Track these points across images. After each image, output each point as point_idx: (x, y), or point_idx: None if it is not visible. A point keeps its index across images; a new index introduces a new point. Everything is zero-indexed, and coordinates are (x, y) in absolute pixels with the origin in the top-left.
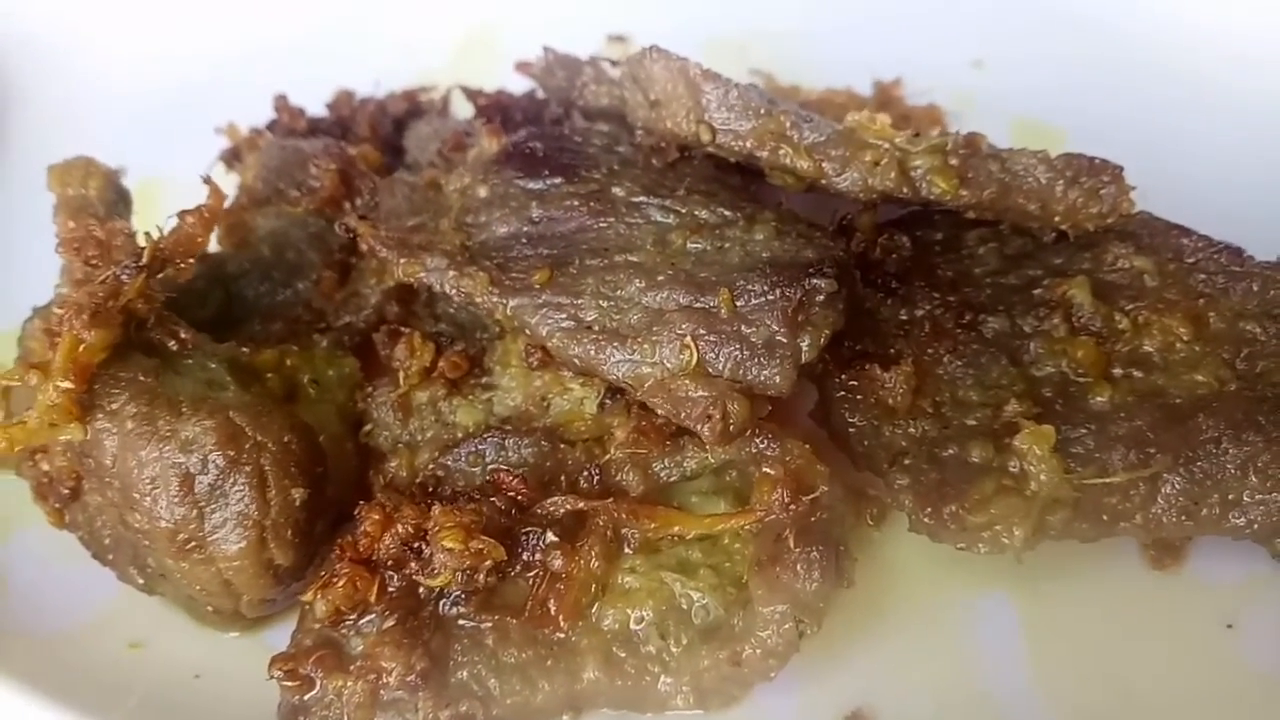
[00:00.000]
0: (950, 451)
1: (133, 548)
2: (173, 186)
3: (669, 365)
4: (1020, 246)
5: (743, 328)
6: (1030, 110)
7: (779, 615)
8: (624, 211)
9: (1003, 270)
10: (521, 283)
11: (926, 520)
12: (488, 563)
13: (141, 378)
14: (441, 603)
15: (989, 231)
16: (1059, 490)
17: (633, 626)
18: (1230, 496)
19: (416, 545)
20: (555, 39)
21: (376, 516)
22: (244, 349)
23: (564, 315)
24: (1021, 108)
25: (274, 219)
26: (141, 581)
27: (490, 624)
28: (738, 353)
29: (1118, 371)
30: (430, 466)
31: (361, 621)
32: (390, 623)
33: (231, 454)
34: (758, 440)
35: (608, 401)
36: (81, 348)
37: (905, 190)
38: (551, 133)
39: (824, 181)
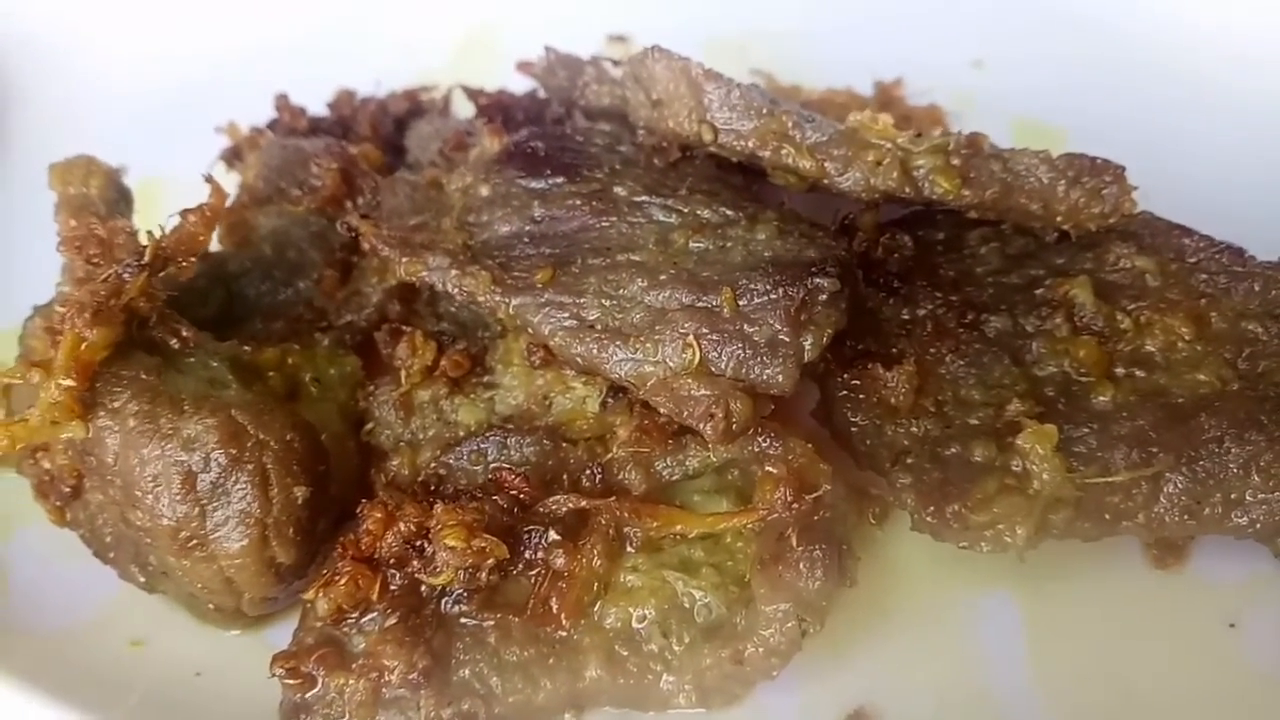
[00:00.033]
0: (953, 451)
1: (134, 546)
2: (174, 186)
3: (671, 364)
4: (1022, 246)
5: (745, 327)
6: (1031, 110)
7: (781, 614)
8: (626, 211)
9: (1005, 270)
10: (524, 282)
11: (929, 519)
12: (490, 561)
13: (143, 376)
14: (444, 601)
15: (991, 231)
16: (1061, 489)
17: (635, 625)
18: (1233, 496)
19: (419, 543)
20: (555, 39)
21: (378, 515)
22: (246, 348)
23: (566, 314)
24: (1022, 108)
25: (275, 218)
26: (143, 579)
27: (492, 622)
28: (740, 352)
29: (1120, 371)
30: (432, 465)
31: (363, 620)
32: (392, 621)
33: (233, 452)
34: (760, 439)
35: (610, 400)
36: (83, 346)
37: (907, 190)
38: (553, 132)
39: (826, 181)
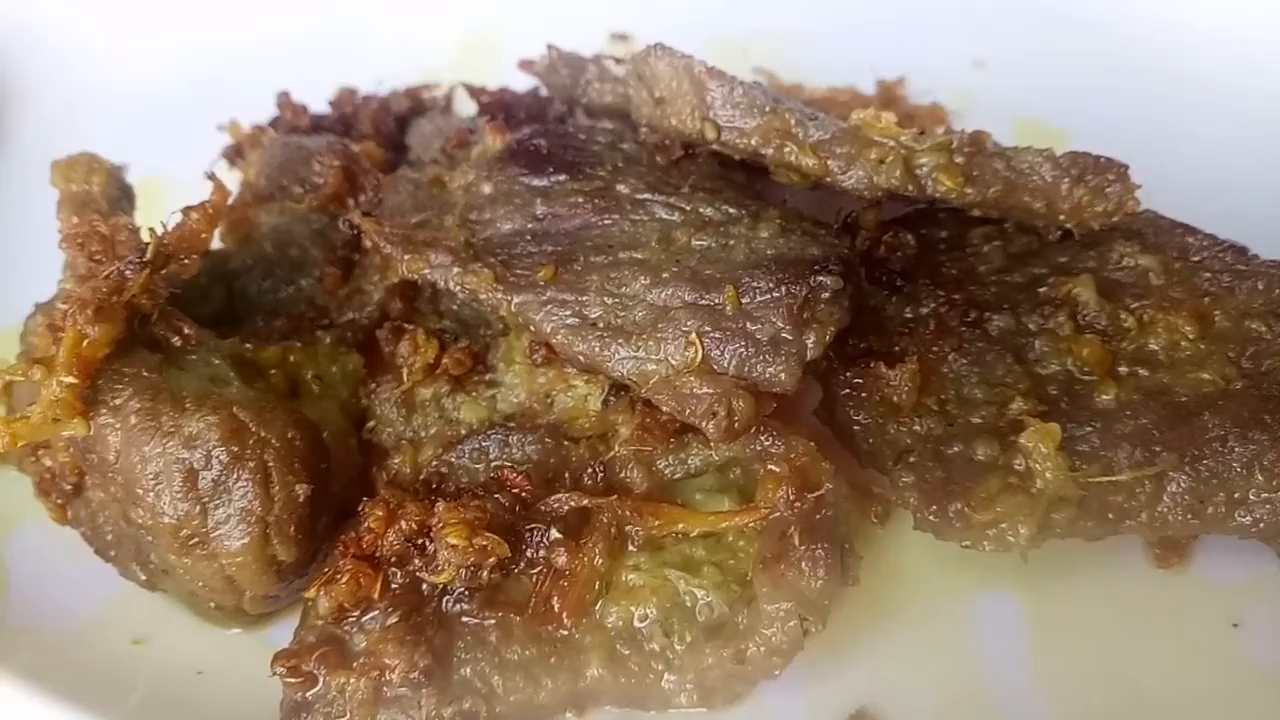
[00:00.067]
0: (955, 449)
1: (135, 544)
2: (176, 185)
3: (674, 362)
4: (1025, 244)
5: (748, 325)
6: (1032, 110)
7: (783, 613)
8: (629, 209)
9: (1008, 268)
10: (526, 279)
11: (931, 518)
12: (491, 559)
13: (145, 373)
14: (445, 599)
15: (994, 229)
16: (1064, 488)
17: (637, 624)
18: (1236, 495)
19: (420, 542)
20: (557, 38)
21: (380, 513)
22: (247, 345)
23: (568, 312)
24: (1023, 108)
25: (277, 215)
26: (144, 578)
27: (494, 621)
28: (743, 350)
29: (1123, 369)
30: (434, 463)
31: (365, 618)
32: (394, 619)
33: (235, 450)
34: (762, 437)
35: (612, 398)
36: (85, 343)
37: (911, 188)
38: (555, 130)
39: (829, 179)
